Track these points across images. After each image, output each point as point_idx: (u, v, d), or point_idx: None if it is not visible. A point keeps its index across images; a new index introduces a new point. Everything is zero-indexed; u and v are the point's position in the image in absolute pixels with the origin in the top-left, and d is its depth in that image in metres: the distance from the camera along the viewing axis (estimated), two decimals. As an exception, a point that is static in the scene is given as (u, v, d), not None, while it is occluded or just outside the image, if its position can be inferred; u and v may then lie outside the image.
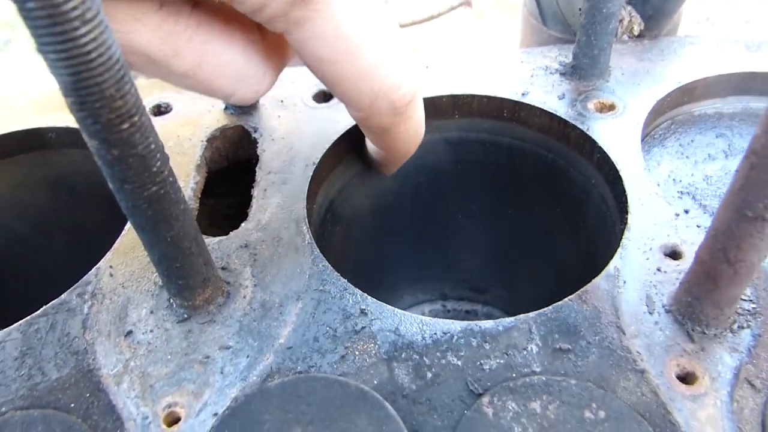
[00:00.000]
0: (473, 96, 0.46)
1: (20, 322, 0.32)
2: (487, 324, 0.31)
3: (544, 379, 0.29)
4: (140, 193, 0.25)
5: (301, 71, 0.47)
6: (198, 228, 0.29)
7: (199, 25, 0.30)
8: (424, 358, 0.30)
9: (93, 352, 0.31)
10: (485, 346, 0.30)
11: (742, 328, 0.30)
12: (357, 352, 0.30)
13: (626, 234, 0.36)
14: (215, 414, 0.28)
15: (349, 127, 0.43)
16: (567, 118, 0.43)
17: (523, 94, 0.45)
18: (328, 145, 0.42)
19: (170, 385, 0.29)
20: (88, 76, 0.20)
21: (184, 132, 0.44)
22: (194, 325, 0.32)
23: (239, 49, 0.32)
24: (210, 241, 0.36)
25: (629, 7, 0.49)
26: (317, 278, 0.34)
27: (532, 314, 0.32)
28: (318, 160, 0.41)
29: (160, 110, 0.46)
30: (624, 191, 0.38)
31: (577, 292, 0.33)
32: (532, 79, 0.47)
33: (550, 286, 0.54)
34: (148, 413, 0.28)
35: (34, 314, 0.32)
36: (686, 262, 0.34)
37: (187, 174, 0.41)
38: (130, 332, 0.31)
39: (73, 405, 0.28)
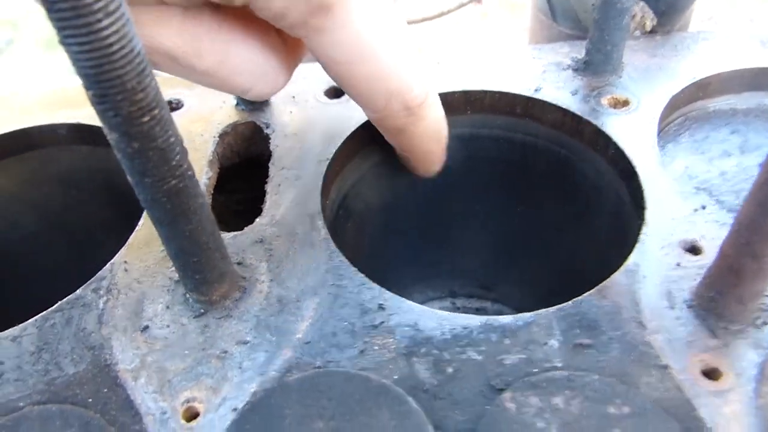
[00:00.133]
0: (485, 92, 0.45)
1: (36, 317, 0.32)
2: (506, 319, 0.31)
3: (566, 374, 0.29)
4: (159, 187, 0.25)
5: (312, 67, 0.47)
6: (215, 223, 0.29)
7: (221, 27, 0.31)
8: (444, 353, 0.30)
9: (109, 347, 0.30)
10: (505, 341, 0.30)
11: (766, 323, 0.30)
12: (376, 347, 0.30)
13: (644, 229, 0.35)
14: (234, 409, 0.28)
15: (361, 123, 0.43)
16: (580, 114, 0.43)
17: (535, 90, 0.45)
18: (340, 141, 0.42)
19: (188, 380, 0.29)
20: (109, 69, 0.20)
21: (196, 128, 0.44)
22: (211, 320, 0.31)
23: (258, 48, 0.33)
24: (225, 237, 0.35)
25: (642, 3, 0.49)
26: (334, 273, 0.34)
27: (551, 309, 0.32)
28: (331, 156, 0.41)
29: (171, 106, 0.46)
30: (640, 187, 0.38)
31: (596, 288, 0.32)
32: (544, 75, 0.46)
33: (561, 283, 0.54)
34: (167, 408, 0.28)
35: (49, 309, 0.32)
36: (706, 258, 0.34)
37: (199, 170, 0.40)
38: (146, 327, 0.31)
39: (90, 400, 0.28)
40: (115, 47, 0.20)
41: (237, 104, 0.46)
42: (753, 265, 0.27)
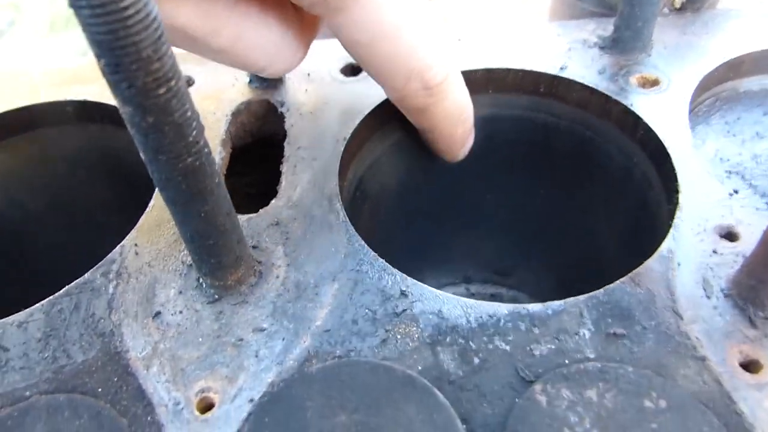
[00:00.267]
0: (508, 70, 0.44)
1: (43, 302, 0.30)
2: (535, 307, 0.30)
3: (599, 365, 0.27)
4: (175, 165, 0.23)
5: (327, 44, 0.45)
6: (231, 203, 0.27)
7: (237, 3, 0.30)
8: (470, 343, 0.28)
9: (120, 334, 0.29)
10: (534, 331, 0.29)
11: (810, 313, 0.28)
12: (399, 336, 0.29)
13: (678, 214, 0.34)
14: (251, 400, 0.26)
15: (378, 101, 0.42)
16: (608, 93, 0.41)
17: (561, 69, 0.43)
18: (357, 120, 0.40)
19: (202, 369, 0.28)
20: (124, 35, 0.18)
21: (208, 106, 0.42)
22: (226, 306, 0.30)
23: (274, 25, 0.32)
24: (240, 219, 0.34)
25: (671, -22, 0.47)
26: (353, 258, 0.32)
27: (582, 297, 0.30)
28: (348, 136, 0.39)
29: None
30: (673, 169, 0.36)
31: (628, 275, 0.31)
32: (570, 53, 0.44)
33: (580, 269, 0.53)
34: (180, 398, 0.27)
35: (57, 294, 0.31)
36: (743, 244, 0.32)
37: (212, 149, 0.39)
38: (158, 313, 0.30)
39: (100, 389, 0.27)
40: (131, 11, 0.18)
41: (250, 81, 0.44)
42: (801, 252, 0.26)
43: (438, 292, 0.30)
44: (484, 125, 0.46)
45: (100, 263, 0.32)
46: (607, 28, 0.46)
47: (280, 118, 0.41)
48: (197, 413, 0.26)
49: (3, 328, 0.30)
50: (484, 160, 0.49)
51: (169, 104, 0.21)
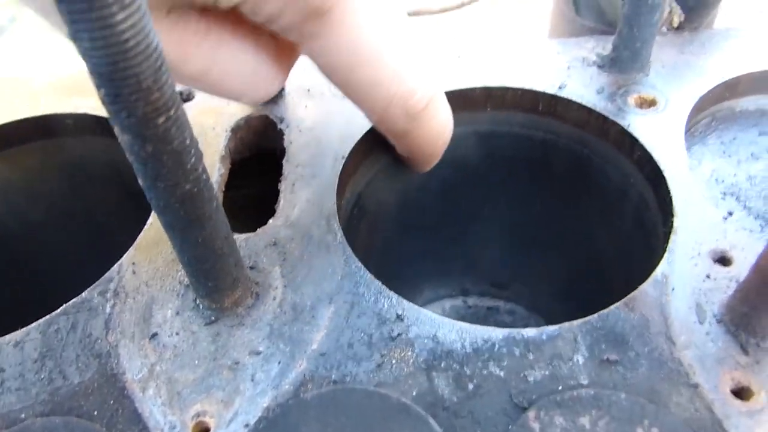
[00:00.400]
0: (507, 88, 0.44)
1: (39, 321, 0.31)
2: (530, 332, 0.30)
3: (592, 392, 0.27)
4: (173, 192, 0.23)
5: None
6: (229, 227, 0.27)
7: (208, 31, 0.29)
8: (465, 368, 0.29)
9: (116, 355, 0.29)
10: (529, 356, 0.29)
11: (802, 341, 0.29)
12: (394, 360, 0.29)
13: (672, 238, 0.34)
14: (247, 425, 0.27)
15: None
16: (606, 114, 0.41)
17: (559, 87, 0.43)
18: (357, 138, 0.41)
19: (198, 393, 0.28)
20: (124, 66, 0.18)
21: (207, 121, 0.42)
22: (222, 328, 0.30)
23: (249, 52, 0.31)
24: (237, 239, 0.34)
25: (670, -3, 0.47)
26: (350, 280, 0.32)
27: (576, 322, 0.30)
28: (347, 154, 0.39)
29: (182, 98, 0.45)
30: (668, 192, 0.36)
31: (623, 300, 0.31)
32: (569, 71, 0.45)
33: (576, 284, 0.53)
34: (176, 422, 0.27)
35: (53, 313, 0.31)
36: (736, 269, 0.32)
37: (211, 165, 0.39)
38: (155, 334, 0.30)
39: (96, 412, 0.27)
40: (131, 43, 0.18)
41: (248, 97, 0.44)
42: (793, 283, 0.26)
43: (434, 315, 0.31)
44: (482, 142, 0.47)
45: (97, 282, 0.32)
46: (606, 46, 0.46)
47: (280, 134, 0.41)
48: (193, 437, 0.26)
49: (-1, 347, 0.30)
50: (482, 176, 0.49)
51: (168, 133, 0.21)
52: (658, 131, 0.40)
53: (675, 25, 0.47)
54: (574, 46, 0.47)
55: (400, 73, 0.31)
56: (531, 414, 0.27)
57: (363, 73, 0.31)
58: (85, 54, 0.18)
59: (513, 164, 0.48)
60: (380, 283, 0.32)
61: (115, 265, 0.33)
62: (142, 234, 0.35)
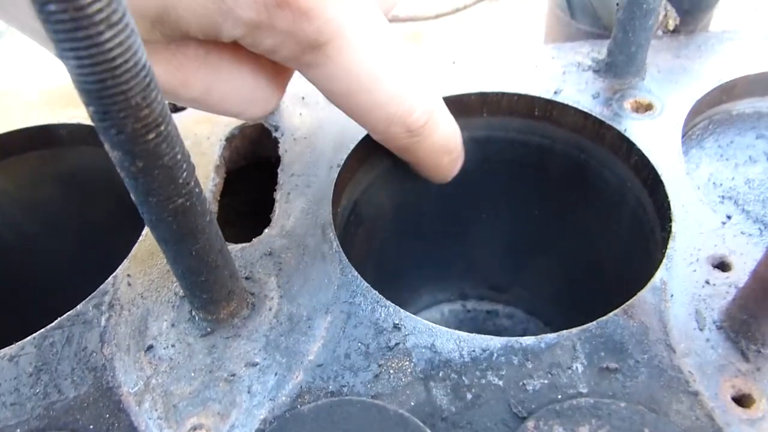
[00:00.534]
0: (503, 94, 0.44)
1: (34, 335, 0.30)
2: (528, 341, 0.30)
3: (591, 401, 0.27)
4: (165, 206, 0.23)
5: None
6: (223, 239, 0.27)
7: (207, 56, 0.30)
8: (463, 378, 0.28)
9: (112, 369, 0.29)
10: (527, 365, 0.29)
11: (803, 347, 0.28)
12: (391, 371, 0.29)
13: (671, 243, 0.34)
14: (243, 438, 0.26)
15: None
16: (602, 118, 0.41)
17: (555, 92, 0.43)
18: (352, 146, 0.40)
19: (195, 405, 0.28)
20: (113, 84, 0.18)
21: (202, 130, 0.42)
22: (218, 340, 0.30)
23: (247, 75, 0.32)
24: (232, 249, 0.34)
25: (664, 1, 0.47)
26: (346, 289, 0.32)
27: (575, 330, 0.30)
28: (342, 162, 0.39)
29: (176, 107, 0.45)
30: (666, 197, 0.36)
31: (621, 307, 0.31)
32: (564, 76, 0.44)
33: (575, 288, 0.53)
34: (172, 436, 0.26)
35: (48, 326, 0.31)
36: (735, 274, 0.32)
37: (206, 175, 0.39)
38: (150, 347, 0.30)
39: (92, 426, 0.27)
40: (119, 61, 0.18)
41: (243, 105, 0.44)
42: (793, 289, 0.26)
43: (431, 324, 0.30)
44: (478, 147, 0.47)
45: (92, 294, 0.32)
46: (601, 51, 0.46)
47: (274, 142, 0.41)
48: (189, 451, 0.26)
49: (-6, 361, 0.30)
50: (479, 181, 0.49)
51: (158, 149, 0.21)
52: (655, 135, 0.39)
53: (670, 28, 0.47)
54: (569, 50, 0.47)
55: (398, 94, 0.32)
56: (530, 424, 0.26)
57: (362, 98, 0.32)
58: (73, 72, 0.18)
59: (510, 169, 0.48)
60: (377, 293, 0.32)
61: (110, 278, 0.33)
62: (136, 245, 0.35)
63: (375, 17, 0.31)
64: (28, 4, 0.17)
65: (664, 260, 0.33)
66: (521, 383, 0.28)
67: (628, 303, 0.31)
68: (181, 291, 0.32)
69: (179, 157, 0.22)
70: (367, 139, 0.41)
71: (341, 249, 0.34)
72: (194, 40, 0.29)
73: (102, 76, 0.18)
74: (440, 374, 0.28)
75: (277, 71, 0.33)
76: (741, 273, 0.32)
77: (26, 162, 0.46)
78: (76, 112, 0.44)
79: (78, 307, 0.31)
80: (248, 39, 0.28)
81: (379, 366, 0.29)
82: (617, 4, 0.40)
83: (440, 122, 0.36)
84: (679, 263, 0.33)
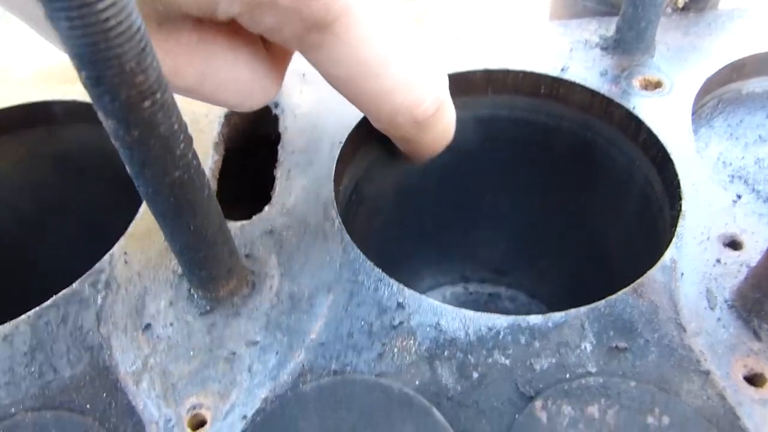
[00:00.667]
0: (508, 71, 0.43)
1: (29, 313, 0.30)
2: (535, 319, 0.29)
3: (600, 380, 0.27)
4: (162, 179, 0.22)
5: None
6: (223, 215, 0.26)
7: (200, 42, 0.27)
8: (469, 357, 0.28)
9: (109, 348, 0.28)
10: (535, 344, 0.28)
11: (817, 326, 0.28)
12: (396, 350, 0.28)
13: (681, 222, 0.33)
14: (244, 417, 0.26)
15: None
16: (610, 96, 0.40)
17: (562, 70, 0.42)
18: (354, 123, 0.39)
19: (194, 385, 0.27)
20: (105, 47, 0.17)
21: (200, 107, 0.41)
22: (218, 319, 0.29)
23: (243, 64, 0.29)
24: (232, 226, 0.33)
25: (674, -24, 0.46)
26: (349, 268, 0.31)
27: (583, 309, 0.29)
28: (344, 139, 0.38)
29: (173, 84, 0.43)
30: (676, 175, 0.35)
31: (631, 285, 0.30)
32: (571, 53, 0.43)
33: (579, 269, 0.52)
34: (171, 415, 0.26)
35: (43, 305, 0.30)
36: (747, 253, 0.32)
37: (204, 153, 0.38)
38: (148, 326, 0.29)
39: (88, 406, 0.26)
40: (112, 22, 0.17)
41: (243, 82, 0.43)
42: (809, 267, 0.25)
43: (436, 303, 0.30)
44: (482, 127, 0.46)
45: (88, 272, 0.31)
46: (609, 27, 0.45)
47: (274, 119, 0.40)
48: (189, 431, 0.26)
49: (-12, 340, 0.29)
50: (483, 161, 0.48)
51: (154, 118, 0.20)
52: (664, 114, 0.39)
53: (680, 5, 0.46)
54: (576, 27, 0.46)
55: (408, 83, 0.30)
56: (538, 403, 0.26)
57: (368, 85, 0.30)
58: (64, 35, 0.17)
59: (514, 149, 0.47)
60: (380, 271, 0.31)
61: (107, 255, 0.32)
62: (133, 223, 0.34)
63: None
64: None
65: (674, 239, 0.32)
66: (528, 362, 0.27)
67: (637, 282, 0.30)
68: (180, 269, 0.31)
69: (176, 127, 0.21)
70: (370, 116, 0.40)
71: (343, 227, 0.33)
72: (188, 23, 0.27)
73: (94, 38, 0.17)
74: (445, 353, 0.28)
75: (274, 59, 0.31)
76: (753, 252, 0.31)
77: (20, 140, 0.45)
78: (72, 89, 0.43)
79: (74, 285, 0.31)
80: (246, 17, 0.26)
81: (383, 345, 0.28)
82: (627, -22, 0.39)
83: (446, 113, 0.34)
84: (689, 242, 0.32)
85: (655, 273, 0.31)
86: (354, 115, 0.40)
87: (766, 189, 0.39)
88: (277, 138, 0.39)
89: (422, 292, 0.60)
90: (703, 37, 0.44)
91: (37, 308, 0.30)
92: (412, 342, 0.28)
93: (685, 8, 0.47)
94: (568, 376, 0.27)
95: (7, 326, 0.29)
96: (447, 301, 0.59)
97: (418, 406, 0.24)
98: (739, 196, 0.34)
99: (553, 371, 0.27)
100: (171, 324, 0.29)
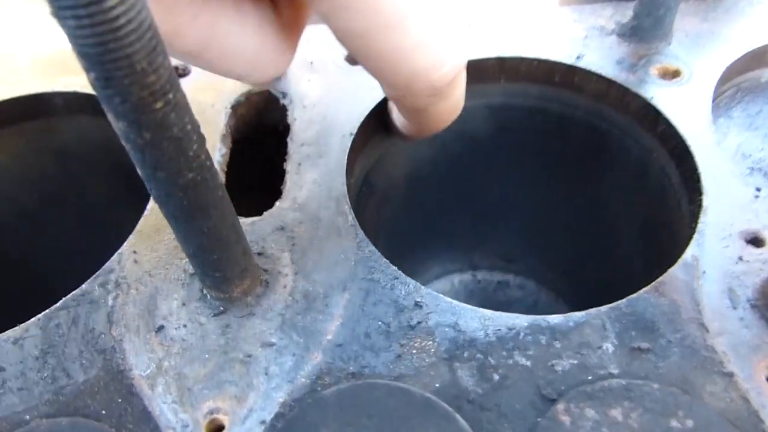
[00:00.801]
0: (522, 59, 0.42)
1: (38, 316, 0.29)
2: (555, 319, 0.28)
3: (623, 382, 0.26)
4: (175, 181, 0.21)
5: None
6: (236, 214, 0.26)
7: (206, 2, 0.25)
8: (489, 358, 0.27)
9: (122, 351, 0.28)
10: (555, 344, 0.28)
11: (843, 327, 0.27)
12: (414, 351, 0.27)
13: (701, 218, 0.32)
14: (263, 421, 0.25)
15: (385, 92, 0.39)
16: (627, 85, 0.39)
17: (577, 58, 0.41)
18: (364, 113, 0.38)
19: (210, 388, 0.26)
20: (115, 47, 0.16)
21: (206, 98, 0.40)
22: (232, 319, 0.29)
23: (251, 30, 0.27)
24: (243, 223, 0.32)
25: (692, -41, 0.44)
26: (364, 265, 0.31)
27: (604, 308, 0.29)
28: (355, 130, 0.37)
29: (177, 73, 0.42)
30: (696, 169, 0.34)
31: (652, 284, 0.30)
32: (587, 40, 0.42)
33: (589, 259, 0.52)
34: (188, 421, 0.25)
35: (52, 307, 0.29)
36: (769, 250, 0.31)
37: (212, 145, 0.37)
38: (161, 327, 0.28)
39: (104, 412, 0.25)
40: (122, 20, 0.16)
41: (249, 71, 0.42)
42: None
43: (454, 302, 0.29)
44: (495, 115, 0.45)
45: (97, 273, 0.30)
46: (625, 13, 0.43)
47: (282, 110, 0.39)
48: (206, 436, 0.25)
49: (-2, 343, 0.28)
50: (494, 150, 0.47)
51: (167, 119, 0.19)
52: (683, 104, 0.38)
53: (697, -11, 0.45)
54: (591, 13, 0.44)
55: (427, 42, 0.27)
56: (560, 407, 0.25)
57: (384, 41, 0.26)
58: (71, 34, 0.16)
59: (527, 138, 0.46)
60: (396, 269, 0.30)
61: (115, 255, 0.31)
62: (142, 220, 0.33)
63: None
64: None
65: (695, 235, 0.31)
66: (550, 363, 0.27)
67: (658, 280, 0.30)
68: (191, 268, 0.30)
69: (189, 127, 0.21)
70: (381, 105, 0.39)
71: (357, 222, 0.32)
72: None
73: (104, 38, 0.16)
74: (465, 354, 0.27)
75: (286, 24, 0.29)
76: (778, 250, 0.31)
77: (20, 133, 0.44)
78: (73, 80, 0.42)
79: (83, 286, 0.30)
80: None
81: (401, 346, 0.28)
82: (646, -37, 0.38)
83: (463, 82, 0.31)
84: (710, 238, 0.31)
85: (676, 271, 0.30)
86: (364, 105, 0.39)
87: (786, 181, 0.38)
88: (285, 129, 0.38)
89: (431, 280, 0.60)
90: (722, 23, 0.43)
91: (47, 311, 0.29)
92: (430, 343, 0.28)
93: (702, -8, 0.46)
94: (590, 377, 0.26)
95: (18, 329, 0.28)
96: (455, 289, 0.59)
97: (441, 411, 0.24)
98: (758, 190, 0.34)
99: (575, 373, 0.27)
100: (184, 325, 0.28)
